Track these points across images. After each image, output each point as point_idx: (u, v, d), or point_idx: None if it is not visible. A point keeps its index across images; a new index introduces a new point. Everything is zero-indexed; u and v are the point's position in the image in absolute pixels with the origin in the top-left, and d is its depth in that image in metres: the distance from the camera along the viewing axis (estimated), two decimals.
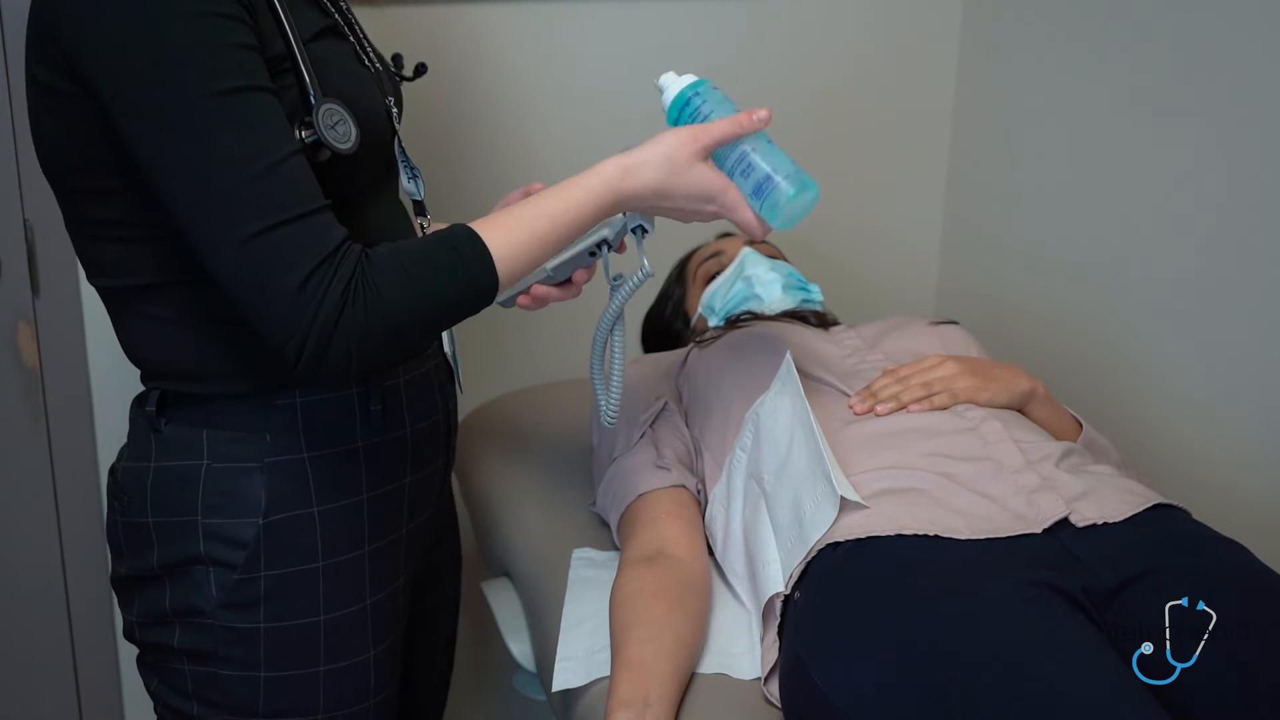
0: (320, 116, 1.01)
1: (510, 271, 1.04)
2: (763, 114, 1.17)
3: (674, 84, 1.23)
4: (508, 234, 1.05)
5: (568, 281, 1.22)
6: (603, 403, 1.26)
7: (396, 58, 1.30)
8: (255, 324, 0.97)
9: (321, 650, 1.14)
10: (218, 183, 0.94)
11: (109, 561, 1.22)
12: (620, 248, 1.23)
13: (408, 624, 1.30)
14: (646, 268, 1.22)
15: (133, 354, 1.14)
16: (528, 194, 1.26)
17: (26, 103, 1.06)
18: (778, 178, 1.18)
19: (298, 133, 1.00)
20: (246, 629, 1.11)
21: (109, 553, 1.21)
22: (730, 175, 1.18)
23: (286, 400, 1.10)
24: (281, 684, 1.13)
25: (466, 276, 1.02)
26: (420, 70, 1.30)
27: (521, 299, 1.23)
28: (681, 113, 1.22)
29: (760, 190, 1.18)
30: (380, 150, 1.15)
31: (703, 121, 1.19)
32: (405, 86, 1.27)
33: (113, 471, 1.18)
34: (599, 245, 1.20)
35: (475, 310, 1.05)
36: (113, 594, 1.26)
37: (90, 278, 1.12)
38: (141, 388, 1.17)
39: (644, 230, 1.22)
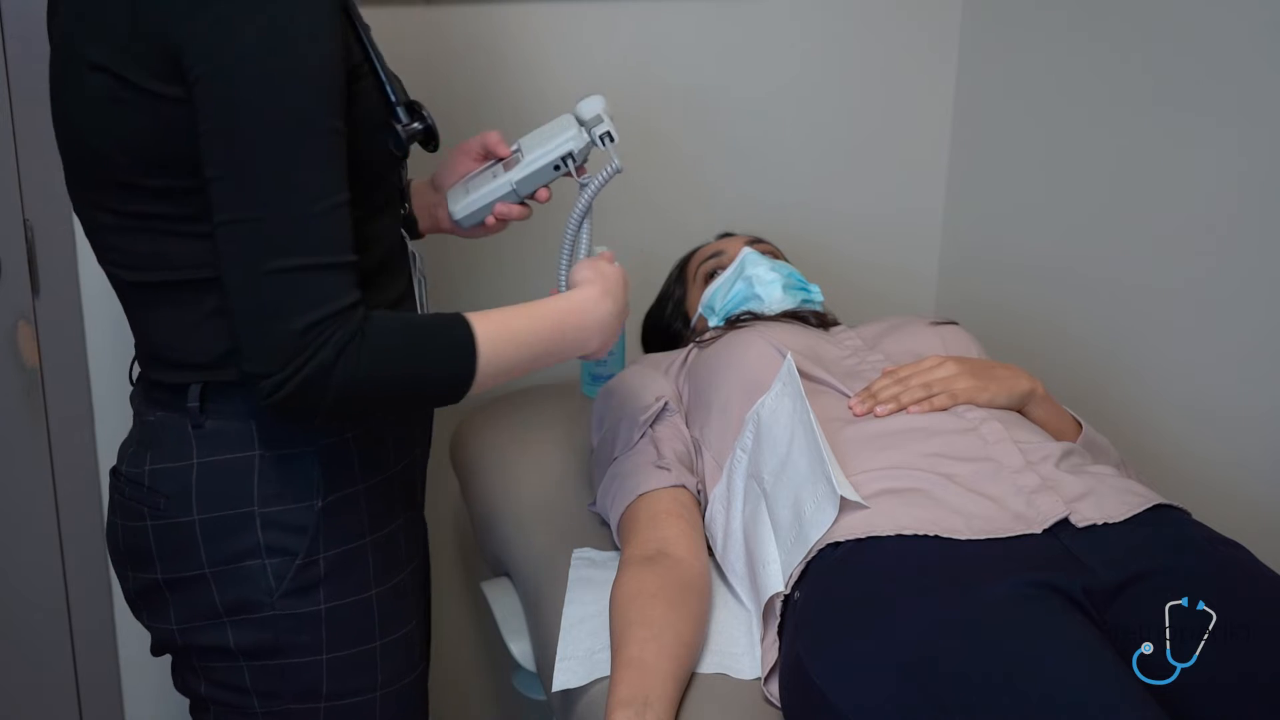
0: (425, 112, 1.11)
1: (488, 374, 1.08)
2: None
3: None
4: (498, 325, 1.10)
5: (530, 197, 1.31)
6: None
7: None
8: (243, 348, 1.00)
9: (376, 625, 1.19)
10: (276, 210, 0.98)
11: (130, 573, 1.19)
12: (581, 170, 1.30)
13: None
14: (616, 163, 1.28)
15: (170, 349, 1.13)
16: (483, 145, 1.35)
17: (84, 96, 1.05)
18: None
19: (403, 125, 1.11)
20: (308, 613, 1.14)
21: (128, 563, 1.19)
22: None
23: None
24: (344, 664, 1.17)
25: (449, 370, 1.07)
26: None
27: (488, 219, 1.32)
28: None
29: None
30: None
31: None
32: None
33: (129, 478, 1.17)
34: (564, 159, 1.28)
35: (449, 399, 1.09)
36: (112, 602, 1.26)
37: (131, 272, 1.11)
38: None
39: (610, 137, 1.30)
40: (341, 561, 1.15)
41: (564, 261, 1.31)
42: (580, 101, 1.32)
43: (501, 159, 1.33)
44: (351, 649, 1.17)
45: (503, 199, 1.30)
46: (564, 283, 1.28)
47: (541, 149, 1.29)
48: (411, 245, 1.25)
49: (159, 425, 1.15)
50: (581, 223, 1.30)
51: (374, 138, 1.11)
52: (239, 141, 0.97)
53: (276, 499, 1.12)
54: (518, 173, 1.29)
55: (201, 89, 0.97)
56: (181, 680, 1.23)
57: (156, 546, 1.15)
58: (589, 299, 1.18)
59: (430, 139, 1.15)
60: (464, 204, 1.33)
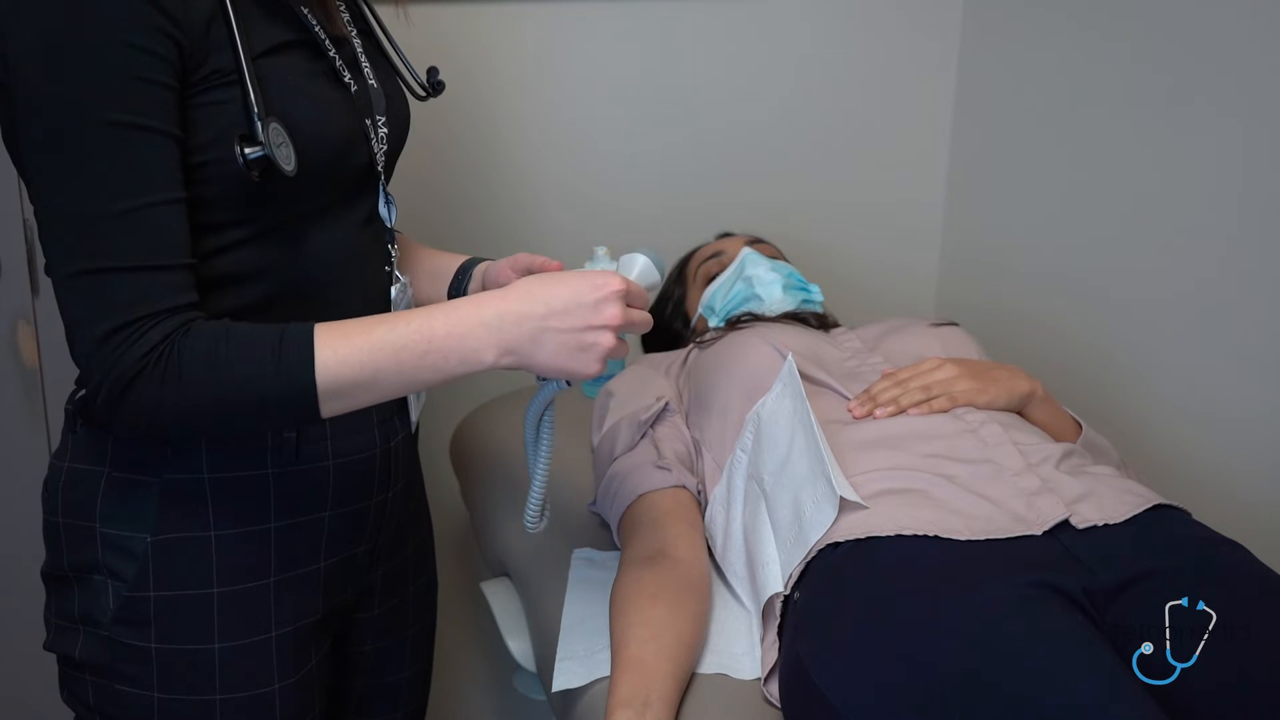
0: (269, 134, 0.99)
1: (331, 371, 0.96)
2: None
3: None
4: (344, 333, 0.97)
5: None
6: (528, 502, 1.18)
7: (430, 71, 1.27)
8: (71, 354, 0.97)
9: (217, 679, 1.10)
10: (66, 210, 0.93)
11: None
12: None
13: (364, 664, 1.29)
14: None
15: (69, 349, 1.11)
16: (529, 269, 1.22)
17: None
18: None
19: (240, 149, 0.97)
20: (138, 647, 1.09)
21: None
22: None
23: None
24: (175, 707, 1.10)
25: (280, 375, 0.95)
26: (437, 88, 1.27)
27: None
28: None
29: None
30: (340, 173, 1.10)
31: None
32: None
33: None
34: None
35: (297, 414, 0.97)
36: None
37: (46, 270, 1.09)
38: None
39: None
40: (176, 606, 1.08)
41: (530, 455, 1.17)
42: (623, 256, 1.16)
43: None
44: (186, 695, 1.10)
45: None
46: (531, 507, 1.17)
47: None
48: (397, 293, 1.19)
49: (65, 421, 1.14)
50: (540, 417, 1.15)
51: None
52: (30, 142, 0.94)
53: (113, 521, 1.08)
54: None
55: (4, 88, 0.96)
56: (60, 686, 1.19)
57: (45, 538, 1.15)
58: (470, 299, 1.01)
59: (252, 170, 0.99)
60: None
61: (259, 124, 0.98)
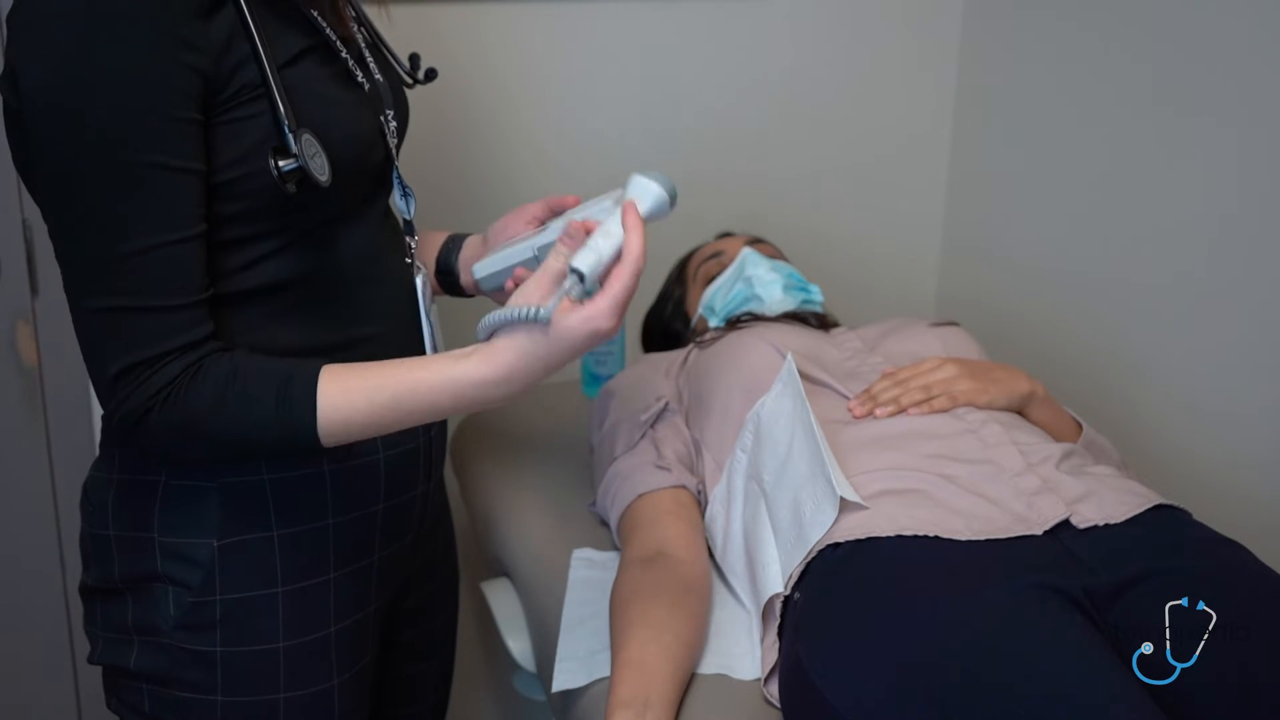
0: (303, 146, 0.99)
1: (336, 429, 0.98)
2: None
3: None
4: (347, 393, 0.98)
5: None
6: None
7: (413, 58, 1.27)
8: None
9: (281, 678, 1.12)
10: (82, 247, 0.94)
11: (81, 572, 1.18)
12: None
13: (397, 654, 1.29)
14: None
15: None
16: (549, 208, 1.26)
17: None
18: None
19: (274, 162, 0.97)
20: (203, 652, 1.09)
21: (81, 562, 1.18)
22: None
23: None
24: (240, 709, 1.11)
25: (283, 421, 0.97)
26: (430, 76, 1.27)
27: (507, 284, 1.19)
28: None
29: None
30: (364, 173, 1.11)
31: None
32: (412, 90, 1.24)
33: (85, 482, 1.16)
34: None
35: (296, 451, 1.00)
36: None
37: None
38: None
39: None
40: (242, 608, 1.09)
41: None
42: (634, 178, 1.02)
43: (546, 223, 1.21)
44: (250, 696, 1.11)
45: (522, 264, 1.17)
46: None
47: (574, 215, 1.09)
48: (421, 283, 1.19)
49: (103, 434, 1.14)
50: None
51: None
52: (44, 178, 0.95)
53: (174, 529, 1.08)
54: (542, 237, 1.15)
55: (17, 116, 0.95)
56: (106, 695, 1.19)
57: (90, 552, 1.14)
58: (476, 383, 0.98)
59: (304, 180, 0.99)
60: (483, 263, 1.22)
61: (291, 136, 0.98)
